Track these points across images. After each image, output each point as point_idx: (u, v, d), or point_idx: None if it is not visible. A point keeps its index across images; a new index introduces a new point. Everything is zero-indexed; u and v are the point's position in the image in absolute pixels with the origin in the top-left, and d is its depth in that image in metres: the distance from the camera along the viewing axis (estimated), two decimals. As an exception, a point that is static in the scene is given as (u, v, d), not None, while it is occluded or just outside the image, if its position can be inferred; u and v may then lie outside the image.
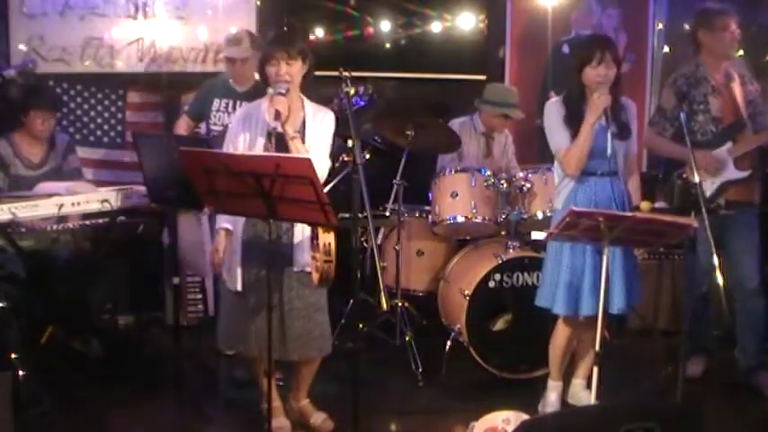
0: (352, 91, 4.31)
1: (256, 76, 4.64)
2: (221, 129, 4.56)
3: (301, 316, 3.55)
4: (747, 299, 4.22)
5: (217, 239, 3.62)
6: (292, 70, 3.48)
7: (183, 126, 4.82)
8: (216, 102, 4.64)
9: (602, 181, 3.77)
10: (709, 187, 4.10)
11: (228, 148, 3.56)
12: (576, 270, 3.74)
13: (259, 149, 3.50)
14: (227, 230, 3.57)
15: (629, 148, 3.86)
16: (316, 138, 3.56)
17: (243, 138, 3.56)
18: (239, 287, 3.55)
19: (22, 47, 5.20)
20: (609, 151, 3.62)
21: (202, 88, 4.80)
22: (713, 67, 4.21)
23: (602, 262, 3.33)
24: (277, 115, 3.42)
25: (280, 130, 3.47)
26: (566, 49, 5.89)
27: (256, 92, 4.47)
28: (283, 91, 3.45)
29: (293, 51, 3.47)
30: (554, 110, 3.81)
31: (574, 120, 3.72)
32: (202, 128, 4.78)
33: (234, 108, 4.58)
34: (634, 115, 3.87)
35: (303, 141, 3.52)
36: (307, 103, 3.63)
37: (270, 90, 3.53)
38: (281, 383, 3.94)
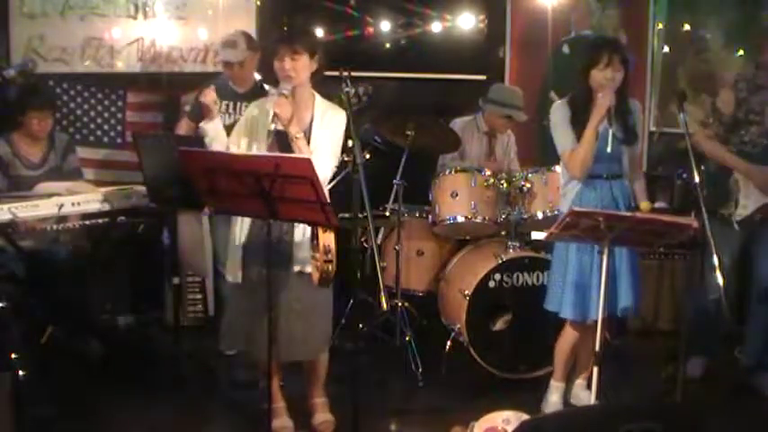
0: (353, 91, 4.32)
1: (256, 77, 4.66)
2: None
3: (301, 317, 3.53)
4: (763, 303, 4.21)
5: None
6: (297, 65, 3.45)
7: (183, 128, 4.82)
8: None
9: (608, 184, 3.77)
10: (751, 206, 4.04)
11: (230, 148, 3.55)
12: (584, 269, 3.73)
13: (261, 150, 3.49)
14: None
15: (633, 151, 3.85)
16: (322, 137, 3.53)
17: (245, 139, 3.55)
18: (239, 279, 3.54)
19: (21, 47, 5.20)
20: (609, 149, 3.62)
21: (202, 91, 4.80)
22: None
23: (602, 262, 3.33)
24: (275, 117, 3.42)
25: (281, 128, 3.46)
26: (566, 49, 5.89)
27: (256, 92, 4.47)
28: (285, 92, 3.43)
29: (298, 46, 3.44)
30: (559, 112, 3.80)
31: (579, 122, 3.71)
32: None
33: (234, 109, 4.59)
34: (639, 117, 3.86)
35: (309, 140, 3.50)
36: (318, 100, 3.59)
37: (271, 90, 3.52)
38: (281, 384, 3.94)
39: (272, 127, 3.45)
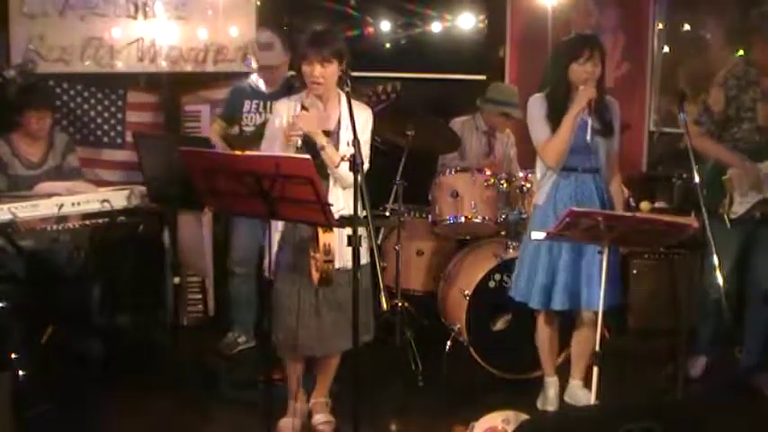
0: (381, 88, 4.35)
1: (285, 74, 4.69)
2: (253, 129, 4.62)
3: (332, 310, 3.55)
4: (764, 305, 4.21)
5: None
6: (326, 72, 3.46)
7: (216, 129, 4.87)
8: (246, 104, 4.70)
9: (584, 177, 3.80)
10: (747, 202, 4.04)
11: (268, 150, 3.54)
12: (552, 269, 3.80)
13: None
14: None
15: (610, 146, 3.86)
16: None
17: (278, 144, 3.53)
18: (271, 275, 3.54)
19: (21, 47, 5.19)
20: (588, 138, 3.65)
21: (231, 92, 4.86)
22: (765, 70, 4.05)
23: (602, 262, 3.34)
24: (296, 131, 3.41)
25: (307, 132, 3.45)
26: (565, 49, 5.88)
27: (284, 92, 4.49)
28: (306, 104, 3.41)
29: (327, 53, 3.44)
30: (537, 104, 3.82)
31: (556, 115, 3.73)
32: (235, 129, 4.81)
33: (264, 108, 4.66)
34: (617, 114, 3.88)
35: (338, 139, 3.49)
36: (344, 100, 3.55)
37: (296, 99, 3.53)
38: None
39: (299, 143, 3.43)
